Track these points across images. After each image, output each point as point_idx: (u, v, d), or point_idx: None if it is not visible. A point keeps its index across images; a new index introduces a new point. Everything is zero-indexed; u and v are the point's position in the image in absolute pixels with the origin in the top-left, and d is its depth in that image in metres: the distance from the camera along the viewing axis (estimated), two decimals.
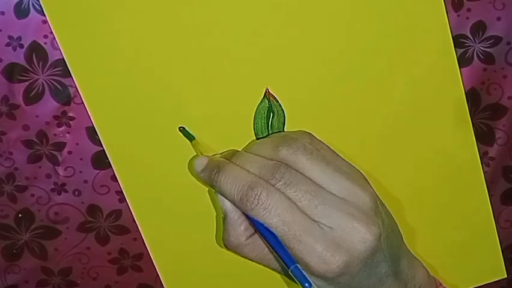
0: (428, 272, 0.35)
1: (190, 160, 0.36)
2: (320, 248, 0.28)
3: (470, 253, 0.42)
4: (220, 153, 0.35)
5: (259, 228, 0.29)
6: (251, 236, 0.32)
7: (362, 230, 0.29)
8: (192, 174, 0.37)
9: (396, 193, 0.40)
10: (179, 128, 0.36)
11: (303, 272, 0.28)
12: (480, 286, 0.43)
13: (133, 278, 0.42)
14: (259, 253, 0.32)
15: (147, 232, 0.39)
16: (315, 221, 0.29)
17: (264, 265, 0.33)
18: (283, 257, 0.28)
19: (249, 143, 0.37)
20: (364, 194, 0.30)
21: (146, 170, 0.38)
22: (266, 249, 0.32)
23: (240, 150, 0.33)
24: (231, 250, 0.32)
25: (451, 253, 0.42)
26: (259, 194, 0.29)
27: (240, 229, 0.32)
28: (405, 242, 0.33)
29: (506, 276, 0.43)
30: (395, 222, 0.32)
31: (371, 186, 0.31)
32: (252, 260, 0.33)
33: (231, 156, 0.32)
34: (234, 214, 0.32)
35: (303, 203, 0.29)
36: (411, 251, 0.34)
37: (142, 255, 0.41)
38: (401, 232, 0.33)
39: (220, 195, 0.31)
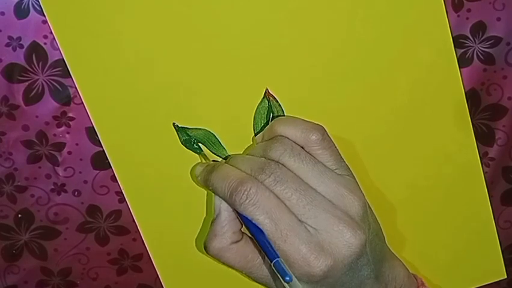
0: (408, 271, 0.35)
1: (192, 168, 0.37)
2: (304, 250, 0.28)
3: (470, 254, 0.42)
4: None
5: (246, 221, 0.30)
6: (236, 242, 0.32)
7: (347, 234, 0.29)
8: (194, 181, 0.37)
9: (395, 193, 0.40)
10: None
11: (284, 266, 0.28)
12: (480, 287, 0.43)
13: (132, 279, 0.42)
14: (242, 260, 0.32)
15: (147, 233, 0.39)
16: (301, 221, 0.29)
17: (245, 274, 0.33)
18: (267, 251, 0.29)
19: (246, 149, 0.37)
20: (353, 197, 0.30)
21: (146, 170, 0.38)
22: (249, 256, 0.32)
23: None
24: (211, 253, 0.32)
25: (451, 253, 0.42)
26: (248, 189, 0.29)
27: (228, 233, 0.32)
28: (387, 243, 0.33)
29: (506, 276, 0.43)
30: (380, 226, 0.33)
31: (361, 191, 0.31)
32: (232, 267, 0.33)
33: (227, 159, 0.33)
34: (226, 215, 0.32)
35: (292, 201, 0.29)
36: (393, 250, 0.34)
37: (142, 255, 0.41)
38: (384, 234, 0.33)
39: (216, 196, 0.32)
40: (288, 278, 0.28)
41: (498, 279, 0.43)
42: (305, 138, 0.32)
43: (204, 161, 0.36)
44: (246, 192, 0.29)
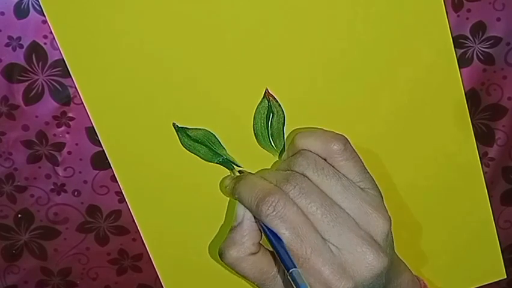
0: (412, 275, 0.35)
1: (221, 180, 0.37)
2: (327, 272, 0.28)
3: (469, 253, 0.42)
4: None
5: (265, 228, 0.29)
6: (254, 253, 0.32)
7: (370, 256, 0.28)
8: (222, 191, 0.38)
9: (395, 193, 0.40)
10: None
11: (302, 276, 0.28)
12: (480, 287, 0.43)
13: (132, 279, 0.42)
14: (256, 272, 0.32)
15: (147, 233, 0.39)
16: (324, 238, 0.29)
17: (257, 285, 0.32)
18: (285, 260, 0.28)
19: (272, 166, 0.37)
20: (377, 216, 0.29)
21: (146, 170, 0.38)
22: (265, 269, 0.32)
23: None
24: (226, 262, 0.32)
25: (451, 253, 0.42)
26: (276, 201, 0.29)
27: (247, 243, 0.31)
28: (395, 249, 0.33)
29: (506, 276, 0.43)
30: (393, 247, 0.32)
31: (385, 207, 0.31)
32: (245, 278, 0.32)
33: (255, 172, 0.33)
34: (248, 225, 0.31)
35: (316, 216, 0.29)
36: (398, 254, 0.34)
37: (142, 255, 0.41)
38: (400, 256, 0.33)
39: (239, 205, 0.32)
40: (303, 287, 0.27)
41: (498, 279, 0.43)
42: (327, 149, 0.31)
43: (234, 175, 0.36)
44: (273, 204, 0.29)
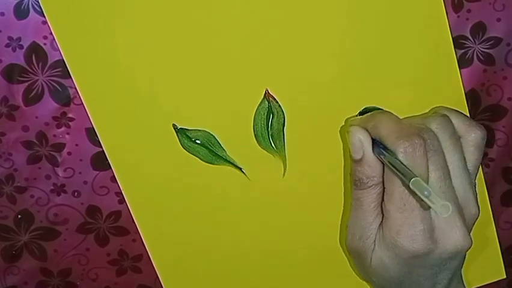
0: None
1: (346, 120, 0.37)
2: (419, 226, 0.30)
3: (469, 254, 0.40)
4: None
5: (385, 149, 0.30)
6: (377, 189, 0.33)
7: (459, 235, 0.31)
8: (342, 131, 0.37)
9: None
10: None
11: (422, 182, 0.28)
12: (480, 287, 0.43)
13: (132, 280, 0.41)
14: (366, 210, 0.33)
15: (146, 233, 0.39)
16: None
17: (350, 228, 0.34)
18: (405, 172, 0.29)
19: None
20: (474, 206, 0.32)
21: (146, 171, 0.37)
22: (370, 218, 0.33)
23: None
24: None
25: None
26: (419, 145, 0.29)
27: (374, 175, 0.32)
28: None
29: (505, 277, 0.43)
30: None
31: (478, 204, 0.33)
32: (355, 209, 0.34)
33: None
34: (373, 158, 0.32)
35: (432, 177, 0.30)
36: None
37: (142, 256, 0.41)
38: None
39: (356, 141, 0.32)
40: (426, 193, 0.28)
41: (497, 279, 0.43)
42: (466, 131, 0.33)
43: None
44: (414, 146, 0.29)
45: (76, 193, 0.39)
